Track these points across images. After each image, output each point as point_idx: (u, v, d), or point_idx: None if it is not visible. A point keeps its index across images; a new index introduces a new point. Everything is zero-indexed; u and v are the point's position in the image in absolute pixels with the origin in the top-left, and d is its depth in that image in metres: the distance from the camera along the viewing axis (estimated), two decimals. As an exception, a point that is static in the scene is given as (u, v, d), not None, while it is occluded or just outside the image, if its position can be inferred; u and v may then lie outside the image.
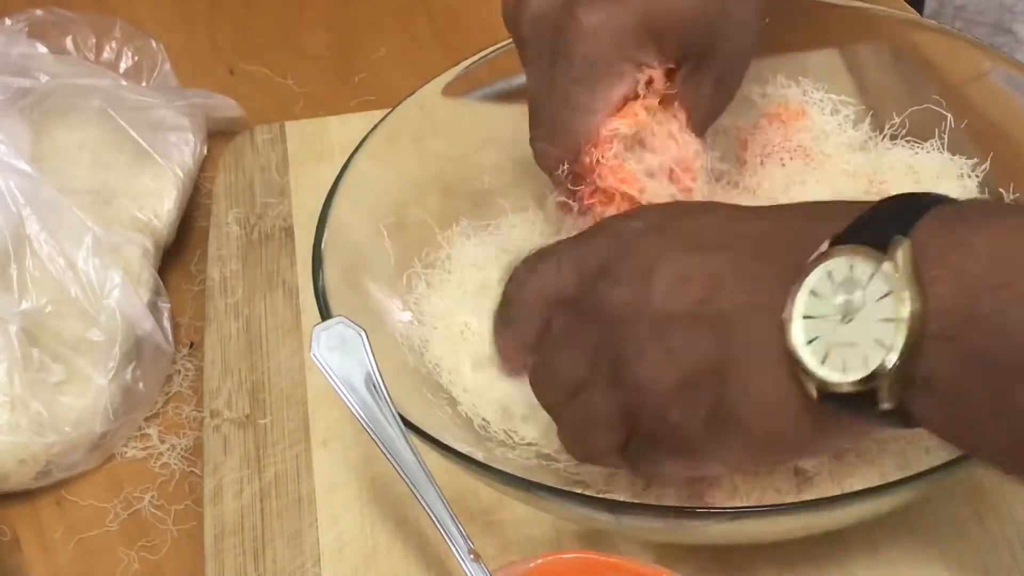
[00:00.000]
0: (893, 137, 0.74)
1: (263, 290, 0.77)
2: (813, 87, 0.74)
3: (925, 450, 0.61)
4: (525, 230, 0.73)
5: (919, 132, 0.73)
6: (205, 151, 0.87)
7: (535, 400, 0.60)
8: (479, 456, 0.60)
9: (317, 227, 0.67)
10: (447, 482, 0.58)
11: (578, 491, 0.60)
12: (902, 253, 0.49)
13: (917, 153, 0.73)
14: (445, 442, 0.59)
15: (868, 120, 0.74)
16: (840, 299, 0.51)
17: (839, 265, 0.51)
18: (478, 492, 0.64)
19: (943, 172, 0.72)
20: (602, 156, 0.64)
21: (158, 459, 0.73)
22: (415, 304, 0.70)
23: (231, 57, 0.97)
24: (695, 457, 0.56)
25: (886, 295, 0.49)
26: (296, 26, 1.00)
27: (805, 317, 0.52)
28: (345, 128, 0.85)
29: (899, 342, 0.49)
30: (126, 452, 0.73)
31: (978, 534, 0.62)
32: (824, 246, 0.52)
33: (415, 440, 0.58)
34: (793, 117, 0.72)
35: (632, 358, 0.55)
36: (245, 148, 0.86)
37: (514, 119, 0.68)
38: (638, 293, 0.55)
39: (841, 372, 0.51)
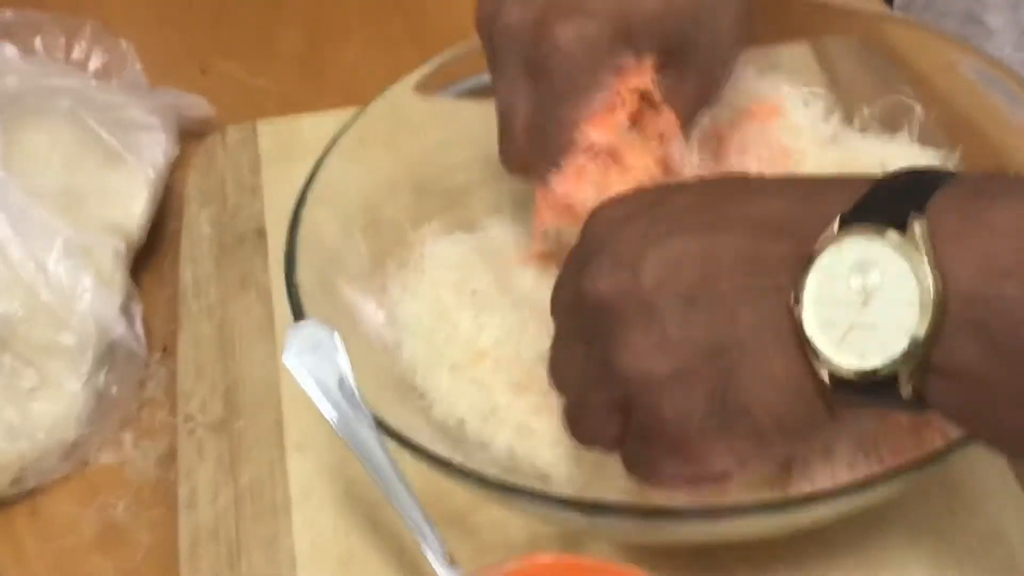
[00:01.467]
0: (863, 129, 0.74)
1: (236, 292, 0.77)
2: (784, 81, 0.74)
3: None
4: (499, 228, 0.73)
5: (889, 124, 0.73)
6: (177, 151, 0.86)
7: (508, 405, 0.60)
8: (455, 459, 0.60)
9: (289, 228, 0.67)
10: (423, 485, 0.58)
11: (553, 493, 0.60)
12: (920, 231, 0.48)
13: (888, 144, 0.73)
14: (420, 445, 0.59)
15: (838, 112, 0.74)
16: (855, 281, 0.49)
17: (853, 245, 0.49)
18: (454, 495, 0.63)
19: (916, 163, 0.72)
20: (567, 161, 0.63)
21: (132, 465, 0.72)
22: (389, 305, 0.70)
23: (203, 56, 0.97)
24: (695, 454, 0.53)
25: (905, 276, 0.48)
26: (269, 25, 0.99)
27: (815, 301, 0.50)
28: (318, 127, 0.84)
29: (922, 325, 0.47)
30: (100, 458, 0.73)
31: (951, 527, 0.63)
32: (834, 226, 0.50)
33: (389, 443, 0.58)
34: (768, 114, 0.72)
35: (620, 349, 0.53)
36: (217, 148, 0.85)
37: (486, 116, 0.67)
38: (626, 281, 0.53)
39: (859, 358, 0.49)
